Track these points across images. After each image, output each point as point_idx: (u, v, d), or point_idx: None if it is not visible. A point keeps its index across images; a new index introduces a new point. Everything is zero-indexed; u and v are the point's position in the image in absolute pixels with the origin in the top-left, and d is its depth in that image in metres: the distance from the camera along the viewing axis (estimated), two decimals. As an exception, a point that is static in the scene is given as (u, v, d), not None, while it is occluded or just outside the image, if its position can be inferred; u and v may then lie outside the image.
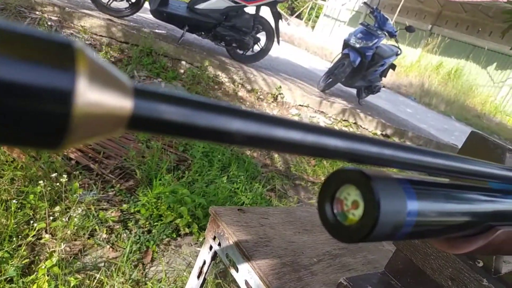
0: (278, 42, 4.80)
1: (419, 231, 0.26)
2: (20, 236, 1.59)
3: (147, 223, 2.07)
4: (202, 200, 2.17)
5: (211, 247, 0.74)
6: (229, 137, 0.20)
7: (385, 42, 5.80)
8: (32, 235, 1.60)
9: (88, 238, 1.88)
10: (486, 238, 0.34)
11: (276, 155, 3.64)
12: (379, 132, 4.99)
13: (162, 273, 1.77)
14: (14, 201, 1.62)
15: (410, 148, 0.26)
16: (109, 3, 4.05)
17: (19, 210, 1.70)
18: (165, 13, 4.05)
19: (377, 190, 0.23)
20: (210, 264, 0.74)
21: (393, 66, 5.68)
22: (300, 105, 4.56)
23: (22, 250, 1.51)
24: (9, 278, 1.34)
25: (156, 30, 4.44)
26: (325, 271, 0.68)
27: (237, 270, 0.68)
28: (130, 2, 4.11)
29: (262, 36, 4.66)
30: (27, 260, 1.49)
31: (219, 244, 0.72)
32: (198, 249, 2.06)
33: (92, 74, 0.15)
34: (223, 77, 4.17)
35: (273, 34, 4.69)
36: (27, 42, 0.14)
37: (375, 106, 6.19)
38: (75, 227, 1.82)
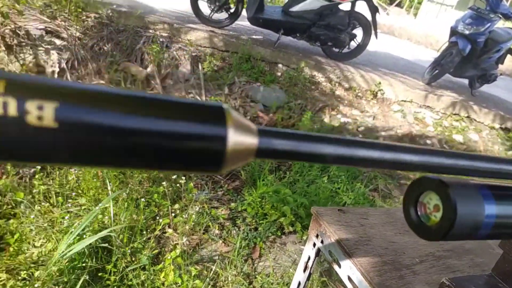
0: (376, 36, 4.64)
1: (498, 232, 0.29)
2: (148, 230, 1.85)
3: (253, 221, 2.21)
4: (304, 200, 2.24)
5: (314, 244, 0.81)
6: (323, 159, 0.26)
7: (500, 24, 5.21)
8: (158, 229, 1.84)
9: (203, 233, 2.09)
10: None
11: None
12: (497, 126, 4.52)
13: (270, 268, 1.89)
14: (142, 199, 1.88)
15: (483, 157, 0.29)
16: (210, 15, 4.36)
17: (147, 208, 1.96)
18: (261, 19, 4.21)
19: (454, 196, 0.27)
20: (314, 260, 0.81)
21: (511, 51, 5.08)
22: (402, 100, 4.36)
23: (151, 242, 1.75)
24: (142, 266, 1.58)
25: (253, 36, 4.65)
26: (428, 271, 0.70)
27: (339, 266, 0.73)
28: (229, 13, 4.37)
29: (358, 32, 4.56)
30: (155, 251, 1.73)
31: (322, 242, 0.78)
32: (302, 247, 2.14)
33: (235, 125, 0.23)
34: (319, 77, 4.19)
35: (370, 28, 4.55)
36: (200, 109, 0.23)
37: (491, 97, 5.60)
38: (193, 223, 2.04)
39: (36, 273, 1.33)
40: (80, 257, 1.47)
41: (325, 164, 0.27)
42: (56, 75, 3.37)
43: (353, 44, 4.64)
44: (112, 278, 1.48)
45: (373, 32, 4.57)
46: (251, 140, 0.25)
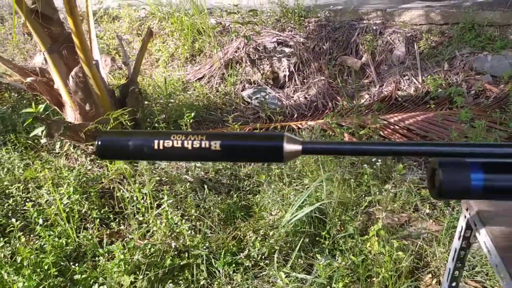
0: None
1: (490, 193, 0.43)
2: (358, 206, 2.13)
3: (467, 201, 2.15)
4: None
5: (465, 216, 0.91)
6: (342, 152, 0.49)
7: None
8: (364, 206, 2.09)
9: (413, 212, 2.21)
10: None
11: None
12: None
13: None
14: (352, 180, 2.17)
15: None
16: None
17: (357, 187, 2.24)
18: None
19: (442, 167, 0.43)
20: (465, 229, 0.91)
21: None
22: None
23: (359, 216, 2.03)
24: (351, 235, 1.88)
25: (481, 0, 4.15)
26: None
27: (479, 234, 0.83)
28: (447, -18, 4.07)
29: None
30: (363, 225, 2.00)
31: (469, 214, 0.88)
32: None
33: (288, 141, 0.50)
34: None
35: None
36: (273, 136, 0.51)
37: None
38: (402, 202, 2.19)
39: (271, 233, 1.84)
40: (302, 223, 1.91)
41: (343, 155, 0.50)
42: (286, 78, 4.05)
43: None
44: (326, 242, 1.84)
45: None
46: (297, 148, 0.51)
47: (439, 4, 4.06)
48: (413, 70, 3.68)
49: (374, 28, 4.04)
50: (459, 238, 0.95)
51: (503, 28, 3.65)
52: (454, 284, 1.00)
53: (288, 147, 0.45)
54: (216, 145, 0.45)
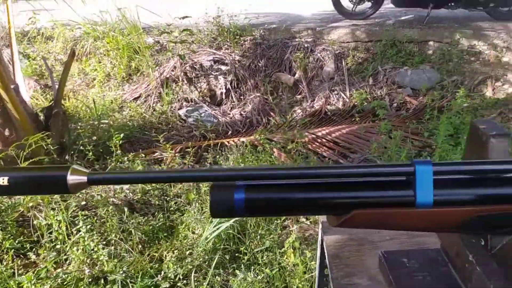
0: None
1: (252, 211, 0.48)
2: (276, 220, 2.19)
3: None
4: None
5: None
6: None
7: None
8: (283, 220, 2.16)
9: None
10: (345, 217, 0.48)
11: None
12: None
13: None
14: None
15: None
16: (353, 9, 4.43)
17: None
18: (404, -1, 4.05)
19: (212, 191, 0.48)
20: (320, 238, 0.99)
21: None
22: None
23: (279, 229, 2.09)
24: (267, 249, 1.93)
25: (402, 18, 4.46)
26: (391, 247, 0.79)
27: (325, 242, 0.90)
28: (371, 1, 4.34)
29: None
30: (281, 238, 2.06)
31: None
32: None
33: (72, 173, 0.52)
34: (480, 45, 3.72)
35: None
36: (51, 171, 0.54)
37: None
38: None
39: (187, 252, 1.86)
40: (220, 241, 1.94)
41: (132, 184, 0.54)
42: (223, 96, 4.11)
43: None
44: (245, 257, 1.88)
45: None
46: (83, 178, 0.53)
47: (364, 23, 4.31)
48: (342, 85, 3.87)
49: (306, 45, 4.21)
50: (320, 246, 1.01)
51: (421, 44, 3.93)
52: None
53: (72, 178, 0.47)
54: (4, 180, 0.47)
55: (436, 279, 0.64)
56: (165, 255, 1.90)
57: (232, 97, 4.09)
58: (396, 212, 0.48)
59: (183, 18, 4.16)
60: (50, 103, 2.85)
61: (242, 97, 4.11)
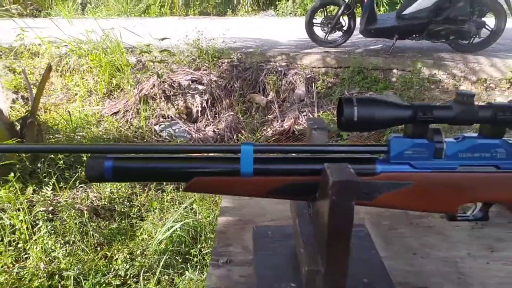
0: (514, 17, 4.12)
1: (118, 177, 0.64)
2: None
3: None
4: None
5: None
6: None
7: None
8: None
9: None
10: (189, 182, 0.65)
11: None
12: None
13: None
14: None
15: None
16: (326, 37, 4.70)
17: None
18: (372, 30, 4.32)
19: (88, 160, 0.64)
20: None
21: None
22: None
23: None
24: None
25: (372, 47, 4.74)
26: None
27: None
28: (342, 31, 4.62)
29: (491, 18, 4.14)
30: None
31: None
32: None
33: None
34: (440, 74, 3.98)
35: (503, 12, 4.08)
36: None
37: None
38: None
39: (138, 252, 1.99)
40: (172, 242, 2.07)
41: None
42: (199, 113, 4.30)
43: (487, 31, 4.21)
44: (195, 259, 2.01)
45: (508, 13, 4.08)
46: None
47: (335, 50, 4.57)
48: (311, 107, 4.08)
49: (280, 69, 4.45)
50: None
51: (386, 71, 4.19)
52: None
53: None
54: None
55: (285, 246, 0.80)
56: (118, 255, 2.03)
57: (207, 115, 4.27)
58: (226, 180, 0.65)
59: (162, 39, 4.39)
60: (26, 114, 3.00)
61: (217, 115, 4.29)
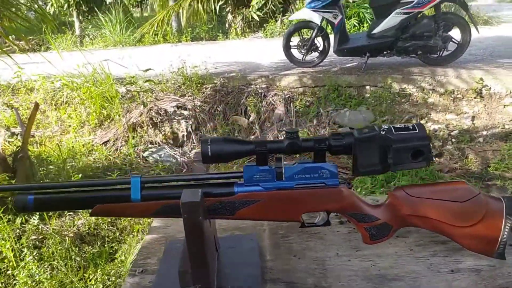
0: (477, 30, 4.34)
1: (37, 208, 0.84)
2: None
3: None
4: None
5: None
6: None
7: None
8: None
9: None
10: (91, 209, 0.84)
11: (471, 156, 3.34)
12: None
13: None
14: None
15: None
16: (303, 58, 4.94)
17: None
18: (345, 49, 4.56)
19: (15, 196, 0.84)
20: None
21: None
22: (516, 90, 3.90)
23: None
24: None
25: (348, 65, 4.96)
26: None
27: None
28: (318, 52, 4.86)
29: (456, 31, 4.36)
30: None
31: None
32: None
33: None
34: (409, 88, 4.19)
35: (467, 25, 4.30)
36: None
37: None
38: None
39: (112, 272, 2.18)
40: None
41: None
42: (185, 138, 4.52)
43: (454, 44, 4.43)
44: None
45: (473, 27, 4.31)
46: None
47: (312, 70, 4.80)
48: (290, 126, 4.29)
49: (260, 91, 4.68)
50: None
51: (359, 88, 4.40)
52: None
53: None
54: None
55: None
56: (95, 277, 2.22)
57: (192, 139, 4.49)
58: (120, 205, 0.84)
59: (146, 70, 4.66)
60: (17, 149, 3.24)
61: (203, 137, 4.51)
